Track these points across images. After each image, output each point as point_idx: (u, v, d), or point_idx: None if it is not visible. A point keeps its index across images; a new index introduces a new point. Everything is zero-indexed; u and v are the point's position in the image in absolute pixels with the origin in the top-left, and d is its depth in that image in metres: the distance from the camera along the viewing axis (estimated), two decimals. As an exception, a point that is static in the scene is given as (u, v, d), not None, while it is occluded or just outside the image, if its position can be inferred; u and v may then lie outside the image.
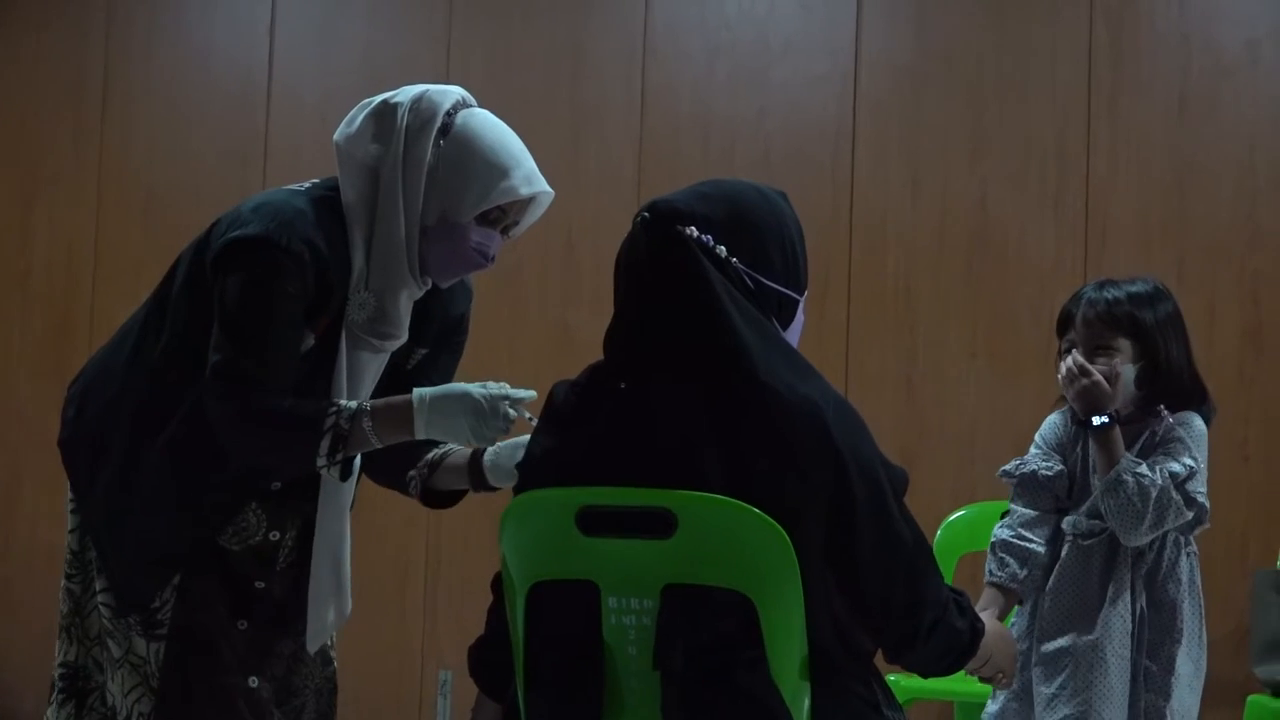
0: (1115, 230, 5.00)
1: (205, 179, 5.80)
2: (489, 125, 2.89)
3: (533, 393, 2.75)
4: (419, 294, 2.91)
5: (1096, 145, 5.03)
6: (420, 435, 2.76)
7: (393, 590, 5.48)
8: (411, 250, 2.84)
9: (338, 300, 2.82)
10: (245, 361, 2.73)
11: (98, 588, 2.90)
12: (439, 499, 3.06)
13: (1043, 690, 3.27)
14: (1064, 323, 3.37)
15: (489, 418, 2.72)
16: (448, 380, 3.02)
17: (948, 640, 2.48)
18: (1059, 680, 3.25)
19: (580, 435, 2.47)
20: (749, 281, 2.45)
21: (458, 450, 3.01)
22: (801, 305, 2.55)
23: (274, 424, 2.75)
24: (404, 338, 2.92)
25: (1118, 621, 3.23)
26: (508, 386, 2.75)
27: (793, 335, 2.54)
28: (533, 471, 2.53)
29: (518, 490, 2.55)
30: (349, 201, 2.84)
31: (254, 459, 2.81)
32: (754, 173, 4.42)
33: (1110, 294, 3.30)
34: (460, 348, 3.12)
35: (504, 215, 2.90)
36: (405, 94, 2.88)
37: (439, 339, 3.05)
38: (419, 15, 5.71)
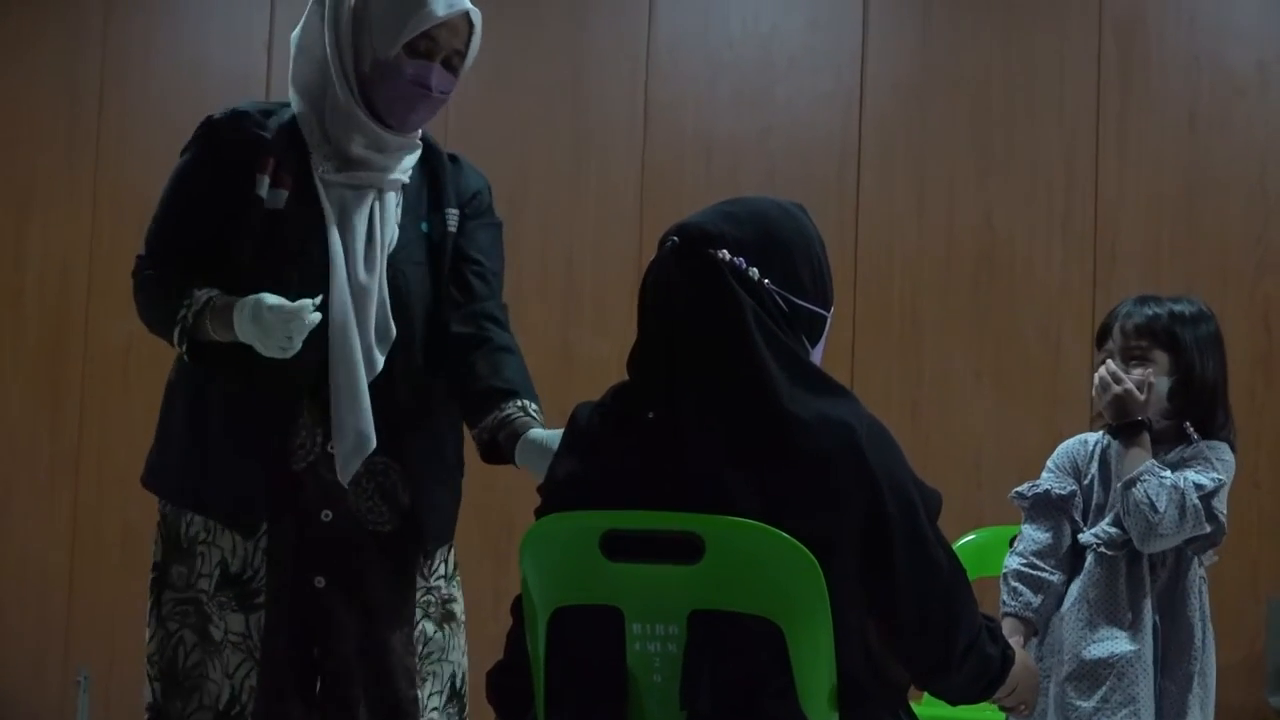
0: (1124, 251, 4.96)
1: (202, 194, 5.74)
2: None
3: (318, 316, 2.78)
4: (387, 141, 2.95)
5: (1105, 165, 4.99)
6: (241, 338, 2.82)
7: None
8: (354, 92, 2.92)
9: (294, 156, 2.92)
10: (150, 229, 3.00)
11: (201, 571, 2.90)
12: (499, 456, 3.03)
13: (1081, 705, 3.21)
14: (1103, 335, 3.37)
15: (273, 331, 2.77)
16: (493, 252, 3.10)
17: (980, 667, 2.44)
18: (1100, 693, 3.21)
19: (606, 463, 2.42)
20: (782, 303, 2.41)
21: (517, 419, 2.96)
22: (829, 321, 2.50)
23: (151, 305, 2.96)
24: (381, 173, 2.96)
25: (1147, 636, 3.21)
26: (310, 304, 2.77)
27: (818, 353, 2.50)
28: (555, 494, 2.48)
29: (540, 513, 2.50)
30: (302, 85, 2.98)
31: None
32: (758, 191, 4.37)
33: (1152, 308, 3.31)
34: (490, 226, 3.13)
35: (435, 44, 2.96)
36: None
37: (463, 214, 3.07)
38: (419, 30, 5.64)
